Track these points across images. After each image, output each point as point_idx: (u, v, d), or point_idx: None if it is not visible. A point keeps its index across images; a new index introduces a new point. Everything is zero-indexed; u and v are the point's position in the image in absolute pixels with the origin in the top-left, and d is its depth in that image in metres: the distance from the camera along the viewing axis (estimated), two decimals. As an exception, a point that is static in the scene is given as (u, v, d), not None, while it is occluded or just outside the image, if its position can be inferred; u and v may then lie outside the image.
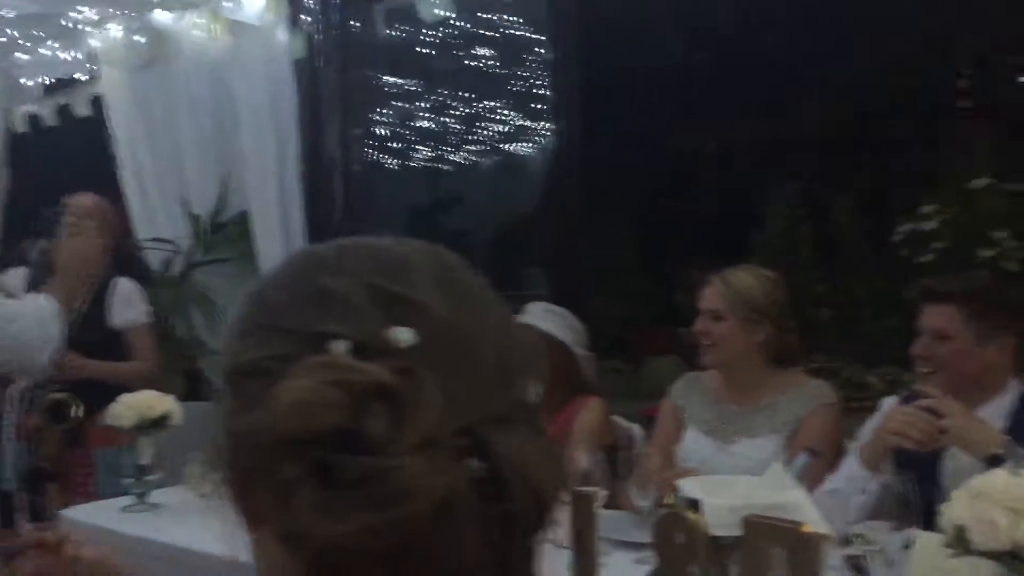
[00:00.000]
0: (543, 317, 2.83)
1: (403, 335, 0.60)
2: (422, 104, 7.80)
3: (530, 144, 7.77)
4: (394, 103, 7.44)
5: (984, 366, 2.15)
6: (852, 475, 2.18)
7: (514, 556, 0.61)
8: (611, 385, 5.13)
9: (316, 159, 4.30)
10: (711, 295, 2.59)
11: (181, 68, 4.26)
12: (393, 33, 5.30)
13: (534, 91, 6.65)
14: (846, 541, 1.95)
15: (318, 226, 4.17)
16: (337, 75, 4.34)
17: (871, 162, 6.28)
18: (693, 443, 2.60)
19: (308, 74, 4.23)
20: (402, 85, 7.11)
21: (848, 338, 5.22)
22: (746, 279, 2.58)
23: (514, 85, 7.09)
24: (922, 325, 2.21)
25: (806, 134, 7.00)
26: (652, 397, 2.84)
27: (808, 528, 1.46)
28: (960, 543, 1.31)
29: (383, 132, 7.39)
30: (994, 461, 1.83)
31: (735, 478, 1.88)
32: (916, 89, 6.44)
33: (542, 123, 6.52)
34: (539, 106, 6.47)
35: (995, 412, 2.13)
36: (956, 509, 1.34)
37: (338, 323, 0.61)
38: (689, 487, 1.73)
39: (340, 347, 0.59)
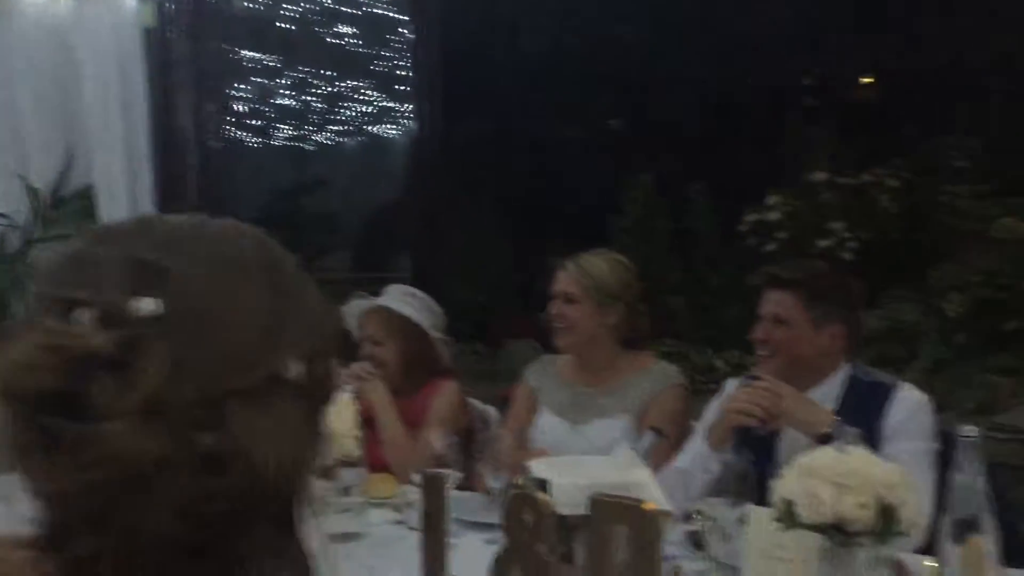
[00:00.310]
0: (401, 300, 2.82)
1: (144, 305, 0.61)
2: (283, 81, 7.61)
3: (395, 126, 7.70)
4: (253, 79, 7.23)
5: (818, 350, 2.26)
6: (697, 454, 2.26)
7: (230, 531, 0.62)
8: (471, 368, 5.16)
9: (167, 134, 4.13)
10: (565, 279, 2.64)
11: (18, 28, 4.00)
12: (251, 5, 5.14)
13: (398, 72, 6.58)
14: (688, 517, 2.03)
15: (170, 205, 4.01)
16: (190, 46, 4.18)
17: (724, 155, 6.51)
18: (546, 424, 2.64)
19: (159, 44, 4.05)
20: (261, 60, 6.90)
21: (699, 324, 5.41)
22: (599, 264, 2.63)
23: (377, 65, 7.00)
24: (762, 311, 2.31)
25: (665, 126, 7.19)
26: (510, 380, 2.87)
27: (650, 505, 1.50)
28: (788, 517, 1.38)
29: (242, 108, 7.17)
30: (824, 440, 1.93)
31: (584, 458, 1.93)
32: (766, 86, 6.71)
33: (406, 105, 6.46)
34: (403, 88, 6.41)
35: (827, 394, 2.24)
36: (785, 485, 1.41)
37: (87, 291, 0.62)
38: (539, 467, 1.76)
39: (84, 315, 0.61)
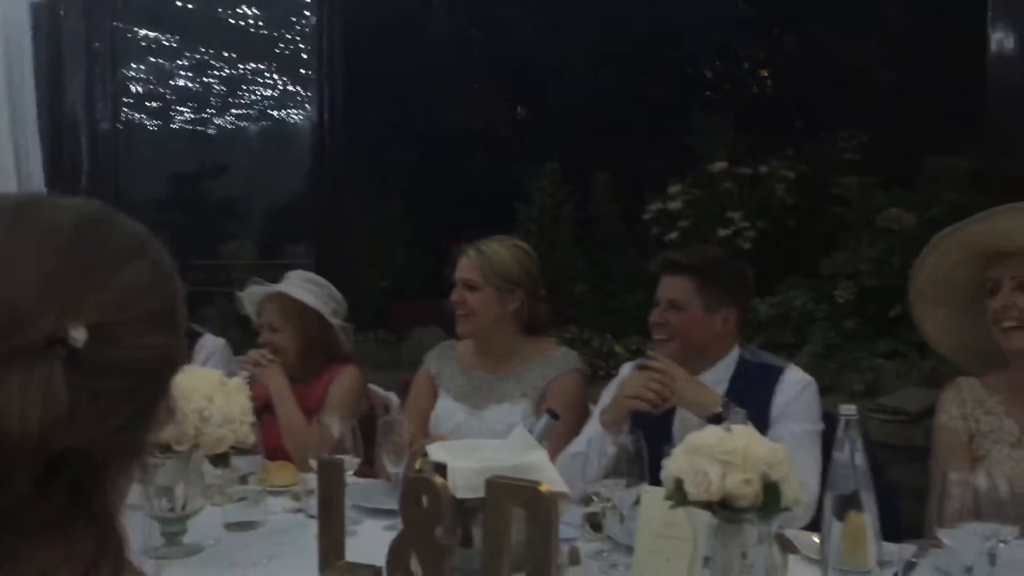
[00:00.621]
0: (300, 286, 2.79)
1: None
2: (182, 62, 7.40)
3: (299, 111, 7.57)
4: (151, 59, 7.01)
5: (711, 334, 2.32)
6: (594, 437, 2.30)
7: None
8: (375, 355, 5.12)
9: (57, 114, 3.98)
10: (466, 265, 2.65)
11: None
12: (146, -17, 4.98)
13: (301, 56, 6.48)
14: (586, 499, 2.06)
15: (61, 187, 3.87)
16: (82, 23, 4.03)
17: (629, 144, 6.59)
18: (446, 410, 2.65)
19: (48, 20, 3.89)
20: (158, 40, 6.70)
21: (602, 311, 5.48)
22: (500, 250, 2.65)
23: (280, 48, 6.87)
24: (659, 295, 2.36)
25: (571, 115, 7.24)
26: (414, 367, 2.88)
27: (546, 487, 1.52)
28: (678, 494, 1.42)
29: (138, 90, 6.95)
30: (715, 420, 1.99)
31: (482, 442, 1.94)
32: (669, 77, 6.83)
33: (310, 90, 6.36)
34: (307, 72, 6.31)
35: (719, 376, 2.31)
36: (675, 463, 1.45)
37: None
38: (436, 452, 1.76)
39: None
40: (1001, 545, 1.54)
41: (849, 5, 5.84)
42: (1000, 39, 2.90)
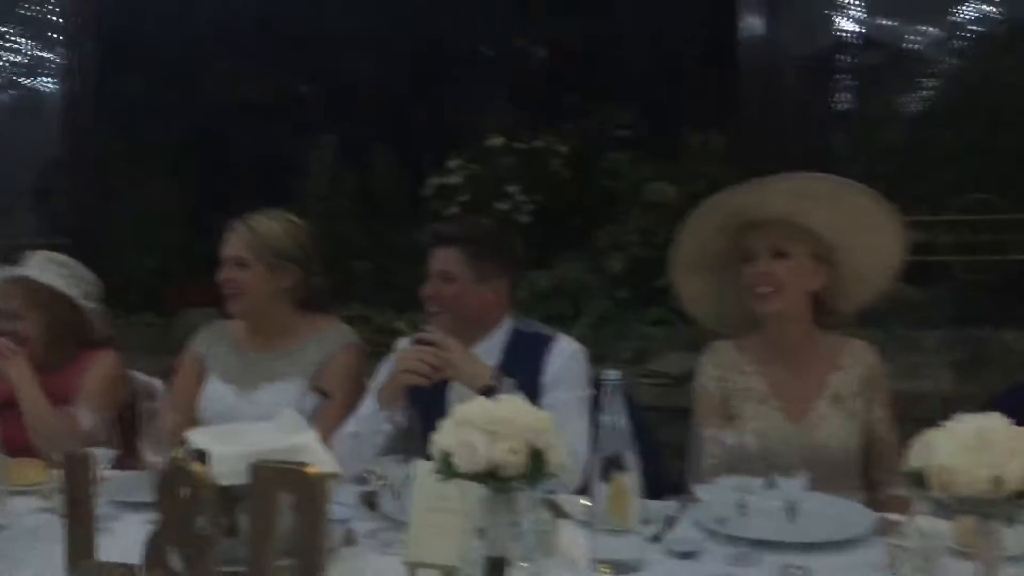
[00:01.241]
0: (44, 268, 2.56)
1: None
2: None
3: (52, 79, 6.97)
4: None
5: (483, 305, 2.34)
6: (370, 415, 2.27)
7: None
8: (143, 340, 4.82)
9: None
10: (235, 243, 2.53)
11: None
12: None
13: (50, 18, 5.95)
14: (363, 479, 2.02)
15: None
16: None
17: (410, 118, 6.55)
18: (214, 392, 2.53)
19: None
20: None
21: (384, 287, 5.42)
22: (270, 225, 2.54)
23: (26, 9, 6.29)
24: (431, 268, 2.35)
25: (350, 88, 7.10)
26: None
27: (313, 469, 1.47)
28: (446, 468, 1.41)
29: None
30: (488, 392, 2.00)
31: (248, 425, 1.86)
32: (449, 51, 6.82)
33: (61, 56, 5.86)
34: (56, 36, 5.81)
35: (492, 347, 2.33)
36: (443, 437, 1.44)
37: None
38: (198, 437, 1.67)
39: None
40: (751, 496, 1.64)
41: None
42: (749, 22, 3.09)
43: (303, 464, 1.47)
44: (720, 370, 2.33)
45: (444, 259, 2.33)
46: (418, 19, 6.62)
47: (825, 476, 2.09)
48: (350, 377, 2.51)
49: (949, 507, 1.23)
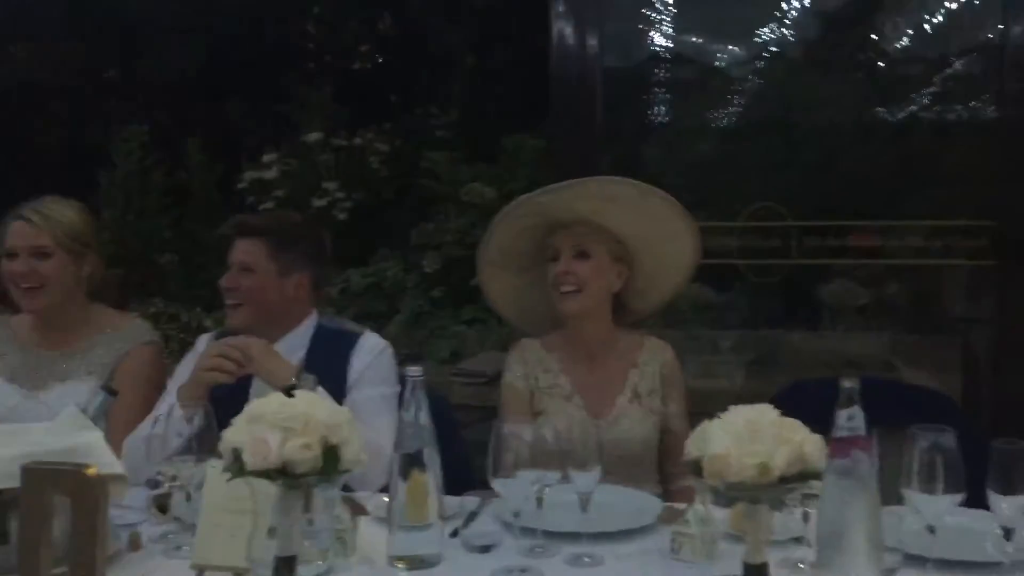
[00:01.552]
0: None
1: None
2: None
3: None
4: None
5: (284, 299, 2.29)
6: (171, 414, 2.18)
7: None
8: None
9: None
10: (30, 232, 2.35)
11: None
12: None
13: None
14: (155, 482, 1.93)
15: None
16: None
17: (223, 111, 6.34)
18: (-2, 393, 2.36)
19: None
20: None
21: (193, 283, 5.23)
22: (66, 211, 2.40)
23: None
24: (231, 259, 2.29)
25: (161, 77, 6.80)
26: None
27: (93, 470, 1.39)
28: (235, 465, 1.37)
29: None
30: (290, 389, 1.96)
31: (28, 426, 1.74)
32: (265, 44, 6.65)
33: None
34: None
35: (296, 343, 2.29)
36: (234, 433, 1.39)
37: None
38: (-35, 440, 1.55)
39: None
40: (546, 489, 1.68)
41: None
42: (560, 31, 3.18)
43: (81, 465, 1.39)
44: (526, 367, 2.38)
45: (245, 250, 2.27)
46: (241, 8, 6.42)
47: (626, 469, 2.17)
48: (146, 376, 2.40)
49: (721, 493, 1.30)
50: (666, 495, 2.19)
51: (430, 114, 5.50)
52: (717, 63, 4.90)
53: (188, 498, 1.76)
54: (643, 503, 1.92)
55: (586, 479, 1.67)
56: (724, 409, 1.41)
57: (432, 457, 1.66)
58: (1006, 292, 3.10)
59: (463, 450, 2.45)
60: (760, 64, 4.92)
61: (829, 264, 3.81)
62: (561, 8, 3.16)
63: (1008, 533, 1.44)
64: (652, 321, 2.59)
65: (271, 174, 5.09)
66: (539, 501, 1.69)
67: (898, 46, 4.70)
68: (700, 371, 3.69)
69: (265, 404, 1.40)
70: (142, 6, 6.61)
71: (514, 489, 1.63)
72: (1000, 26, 3.09)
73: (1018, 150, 3.05)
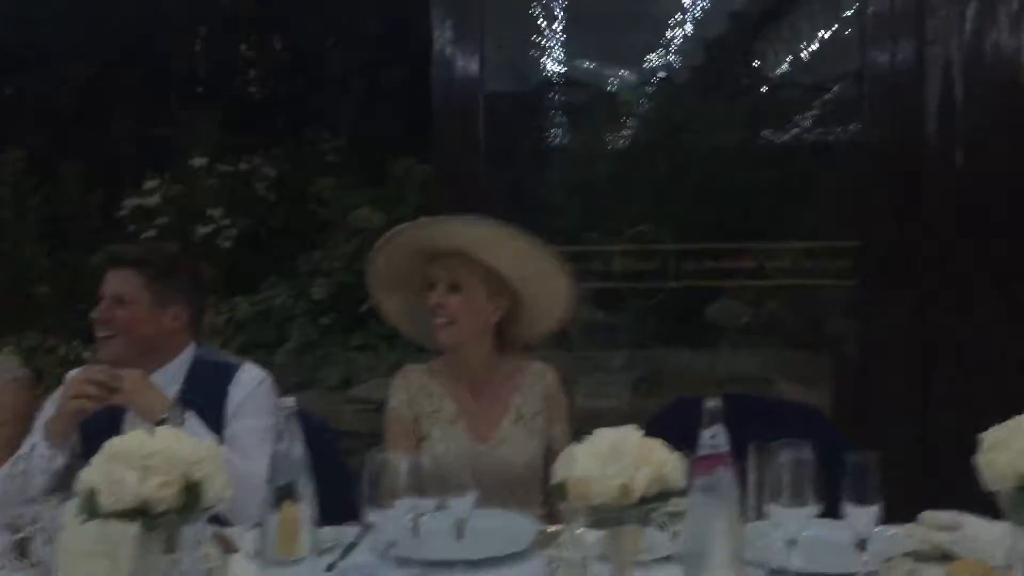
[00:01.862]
0: None
1: None
2: None
3: None
4: None
5: (160, 330, 2.24)
6: (37, 452, 2.10)
7: None
8: None
9: None
10: None
11: None
12: None
13: None
14: (15, 525, 1.85)
15: None
16: None
17: (103, 135, 6.15)
18: None
19: None
20: None
21: (71, 314, 5.04)
22: None
23: None
24: (103, 291, 2.24)
25: (40, 100, 6.56)
26: None
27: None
28: (90, 507, 1.32)
29: None
30: (162, 424, 1.91)
31: None
32: (148, 68, 6.49)
33: None
34: None
35: (172, 375, 2.24)
36: (90, 473, 1.35)
37: None
38: None
39: None
40: (423, 516, 1.68)
41: (332, 13, 6.06)
42: (441, 57, 3.20)
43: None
44: (410, 393, 2.37)
45: (118, 282, 2.22)
46: (121, 28, 6.25)
47: (510, 492, 2.18)
48: (12, 412, 2.31)
49: (583, 515, 1.32)
50: (552, 516, 2.20)
51: (320, 139, 5.45)
52: (604, 87, 5.01)
53: (48, 541, 1.69)
54: (518, 526, 1.93)
55: (462, 504, 1.67)
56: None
57: (307, 489, 1.63)
58: (868, 309, 3.24)
59: (347, 478, 2.42)
60: (646, 89, 5.05)
61: (707, 286, 3.91)
62: (441, 33, 3.18)
63: (862, 543, 1.49)
64: (539, 343, 2.61)
65: (153, 201, 4.96)
66: (415, 529, 1.68)
67: (778, 72, 4.90)
68: (589, 391, 3.74)
69: (125, 441, 1.36)
70: (21, 27, 6.38)
71: (390, 518, 1.62)
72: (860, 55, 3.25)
73: (878, 173, 3.19)
